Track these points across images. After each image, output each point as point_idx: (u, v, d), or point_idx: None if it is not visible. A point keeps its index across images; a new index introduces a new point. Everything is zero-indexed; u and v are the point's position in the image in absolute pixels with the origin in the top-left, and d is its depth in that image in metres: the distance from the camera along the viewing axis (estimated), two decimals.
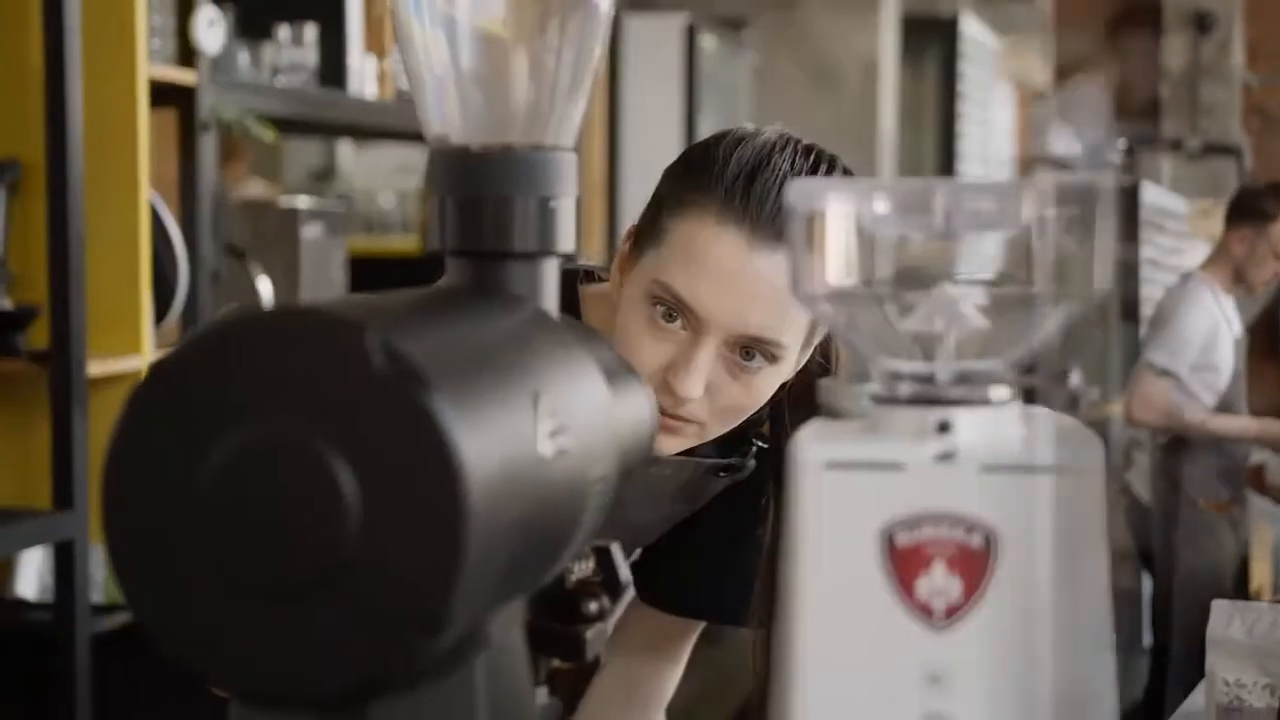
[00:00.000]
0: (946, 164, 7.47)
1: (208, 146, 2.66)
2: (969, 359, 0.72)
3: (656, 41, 5.24)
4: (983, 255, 0.77)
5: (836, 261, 0.72)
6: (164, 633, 0.63)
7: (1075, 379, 0.73)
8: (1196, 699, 2.14)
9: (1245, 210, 4.33)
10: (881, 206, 0.71)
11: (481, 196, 0.80)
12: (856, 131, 5.50)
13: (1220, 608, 1.98)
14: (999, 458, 0.68)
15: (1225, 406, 4.34)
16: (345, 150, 5.84)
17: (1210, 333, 4.24)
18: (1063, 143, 5.07)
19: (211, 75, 2.69)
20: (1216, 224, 8.72)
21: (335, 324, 0.62)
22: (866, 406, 0.73)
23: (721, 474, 1.40)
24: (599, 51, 0.85)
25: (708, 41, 5.49)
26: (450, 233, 0.81)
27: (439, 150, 0.82)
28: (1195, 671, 4.57)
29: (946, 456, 0.68)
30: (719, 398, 1.26)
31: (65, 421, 2.33)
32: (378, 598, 0.61)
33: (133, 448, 0.63)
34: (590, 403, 0.76)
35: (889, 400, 0.71)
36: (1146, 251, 7.05)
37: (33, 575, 2.62)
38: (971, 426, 0.69)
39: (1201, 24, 9.36)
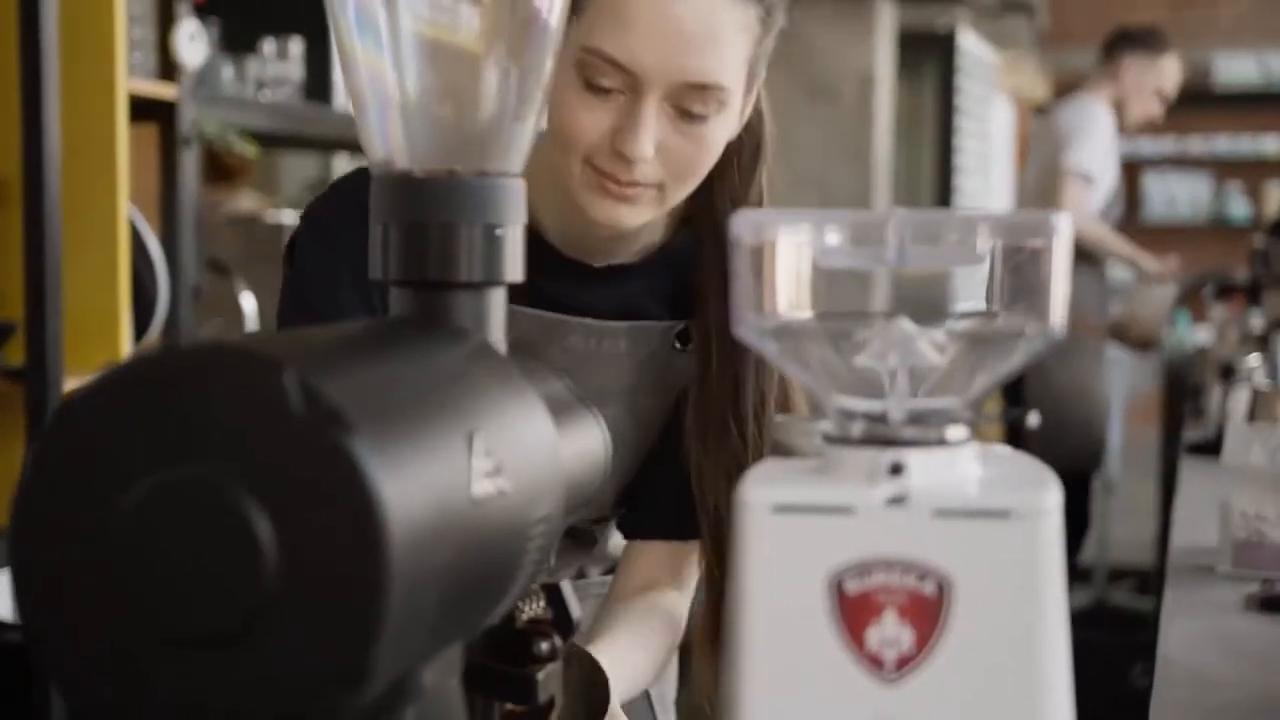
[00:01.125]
0: (944, 178, 7.44)
1: (189, 161, 2.64)
2: (926, 391, 0.70)
3: None
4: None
5: (785, 294, 0.69)
6: (73, 679, 0.60)
7: (1033, 419, 0.70)
8: (1201, 538, 2.01)
9: (1137, 42, 4.50)
10: (833, 238, 0.68)
11: (425, 224, 0.78)
12: (852, 146, 5.47)
13: (1237, 431, 1.89)
14: (953, 501, 0.65)
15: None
16: (341, 163, 5.81)
17: (1110, 143, 4.47)
18: None
19: (193, 90, 2.66)
20: (1023, 78, 8.74)
21: (252, 361, 0.59)
22: (819, 445, 0.70)
23: (678, 345, 1.37)
24: (548, 73, 0.82)
25: None
26: (393, 261, 0.78)
27: (382, 175, 0.80)
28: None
29: (898, 500, 0.65)
30: (671, 156, 1.23)
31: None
32: (296, 649, 0.58)
33: (43, 487, 0.60)
34: (533, 440, 0.73)
35: (840, 440, 0.68)
36: (958, 100, 7.15)
37: (7, 595, 2.59)
38: (925, 468, 0.66)
39: None
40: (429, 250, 0.78)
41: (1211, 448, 2.64)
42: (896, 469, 0.66)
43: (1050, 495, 0.65)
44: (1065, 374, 4.33)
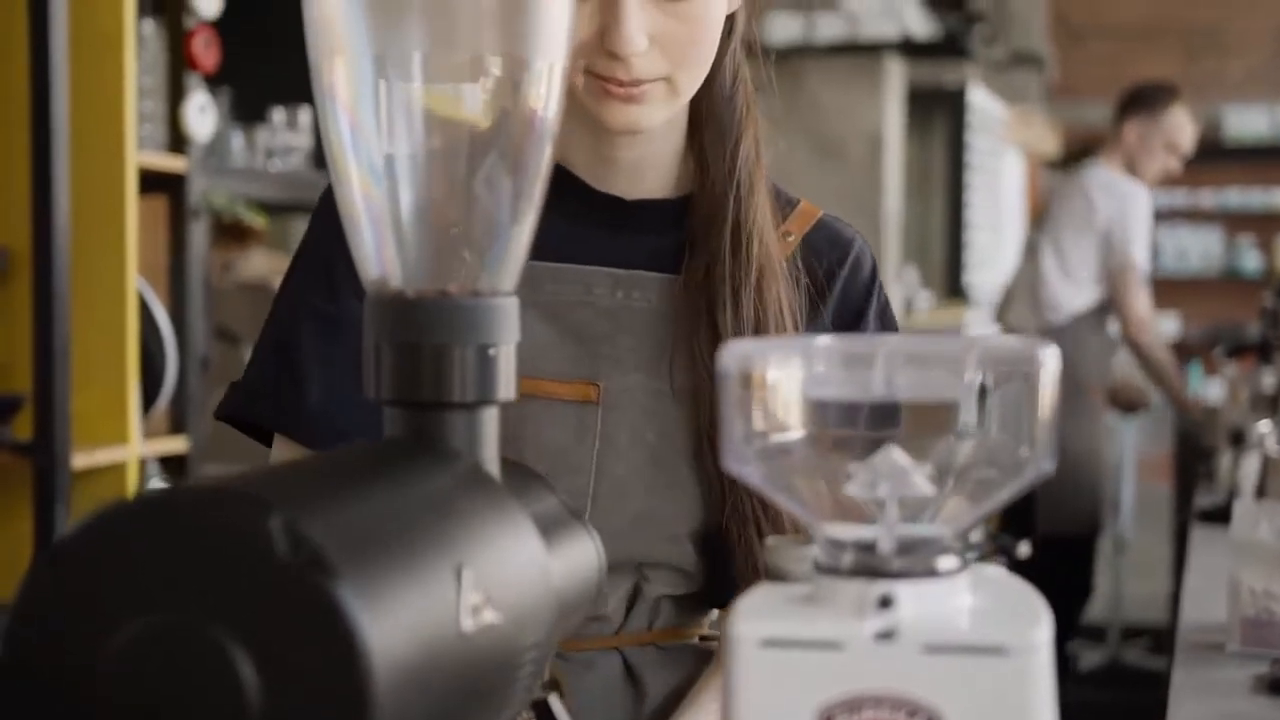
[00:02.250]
0: (954, 233, 7.45)
1: (198, 233, 2.65)
2: (916, 518, 0.69)
3: None
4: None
5: (773, 424, 0.69)
6: None
7: (1023, 549, 0.70)
8: (1211, 613, 1.98)
9: (1138, 102, 4.52)
10: (821, 368, 0.68)
11: (419, 345, 0.78)
12: (862, 204, 5.49)
13: (1244, 508, 1.87)
14: (943, 636, 0.65)
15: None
16: None
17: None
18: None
19: (203, 161, 2.68)
20: (1033, 131, 8.77)
21: (239, 505, 0.59)
22: (809, 571, 0.70)
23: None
24: (540, 191, 0.82)
25: None
26: (386, 382, 0.78)
27: (375, 296, 0.80)
28: (1055, 559, 4.52)
29: (887, 635, 0.65)
30: (667, 42, 1.15)
31: (49, 515, 2.30)
32: None
33: (30, 630, 0.60)
34: (523, 566, 0.73)
35: (830, 570, 0.68)
36: (968, 156, 7.16)
37: None
38: (915, 600, 0.66)
39: None
40: (422, 371, 0.78)
41: (1222, 515, 2.63)
42: (886, 602, 0.66)
43: (1042, 630, 0.65)
44: (1069, 437, 4.33)
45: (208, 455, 2.71)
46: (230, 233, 3.44)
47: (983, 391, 0.68)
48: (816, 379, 0.69)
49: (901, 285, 6.16)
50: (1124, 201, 4.43)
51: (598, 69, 1.16)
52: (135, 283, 2.49)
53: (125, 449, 2.49)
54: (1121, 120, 4.49)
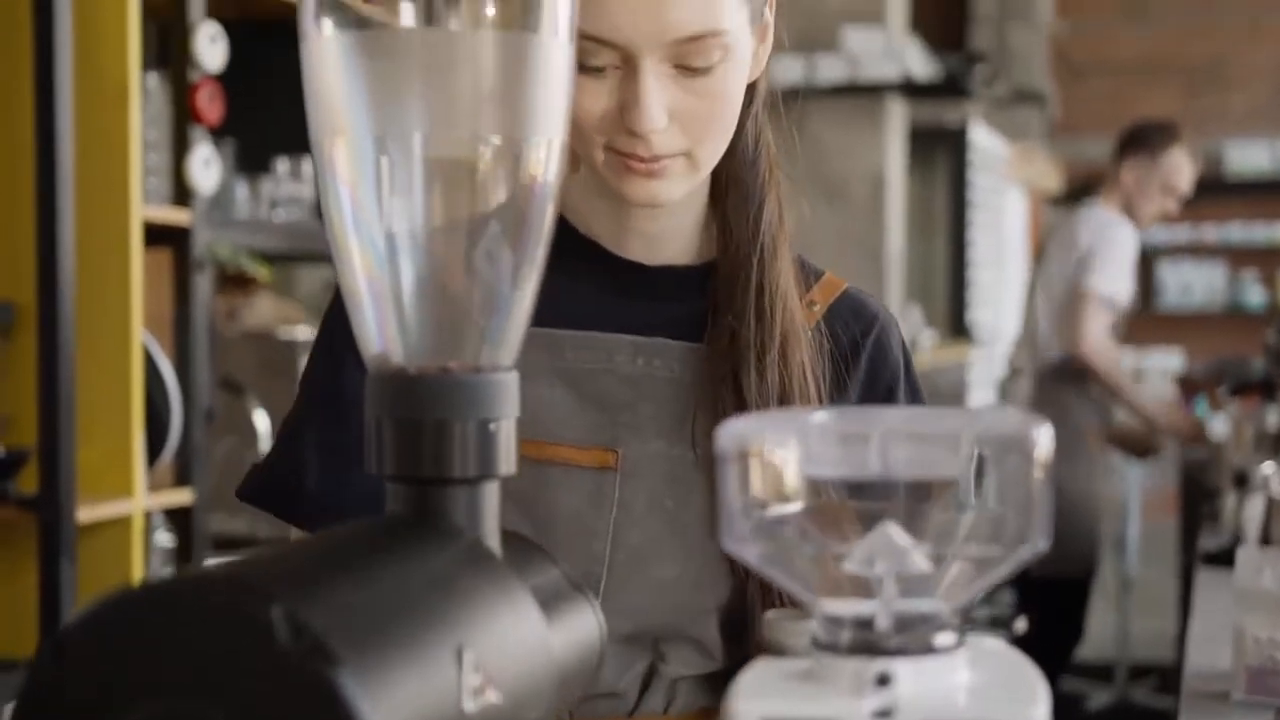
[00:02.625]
0: (958, 271, 7.47)
1: (202, 285, 2.66)
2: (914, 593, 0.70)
3: None
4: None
5: (770, 501, 0.70)
6: None
7: (1021, 624, 0.70)
8: (1217, 659, 1.97)
9: (1136, 143, 4.49)
10: (816, 446, 0.69)
11: (420, 421, 0.79)
12: (865, 245, 5.50)
13: (1247, 555, 1.86)
14: (941, 714, 0.65)
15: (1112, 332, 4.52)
16: None
17: (1133, 263, 4.44)
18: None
19: (207, 214, 2.69)
20: (1036, 169, 8.78)
21: (240, 593, 0.60)
22: (808, 645, 0.71)
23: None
24: (540, 263, 0.83)
25: None
26: (388, 457, 0.79)
27: (376, 372, 0.80)
28: (1055, 602, 4.49)
29: (885, 714, 0.65)
30: (688, 118, 1.14)
31: (54, 570, 2.31)
32: None
33: (35, 717, 0.61)
34: (524, 644, 0.73)
35: (828, 647, 0.69)
36: (970, 194, 7.16)
37: None
38: (913, 678, 0.66)
39: None
40: (423, 447, 0.78)
41: (1227, 557, 2.62)
42: (884, 680, 0.66)
43: (1039, 707, 0.65)
44: (1062, 479, 4.32)
45: (212, 506, 2.72)
46: (235, 280, 3.46)
47: (979, 467, 0.69)
48: (813, 457, 0.69)
49: (905, 324, 6.16)
50: (1102, 231, 4.44)
51: (618, 145, 1.16)
52: (140, 336, 2.50)
53: (130, 502, 2.50)
54: (1119, 161, 4.51)
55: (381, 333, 0.81)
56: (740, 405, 1.17)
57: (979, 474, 0.68)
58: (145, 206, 2.53)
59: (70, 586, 2.33)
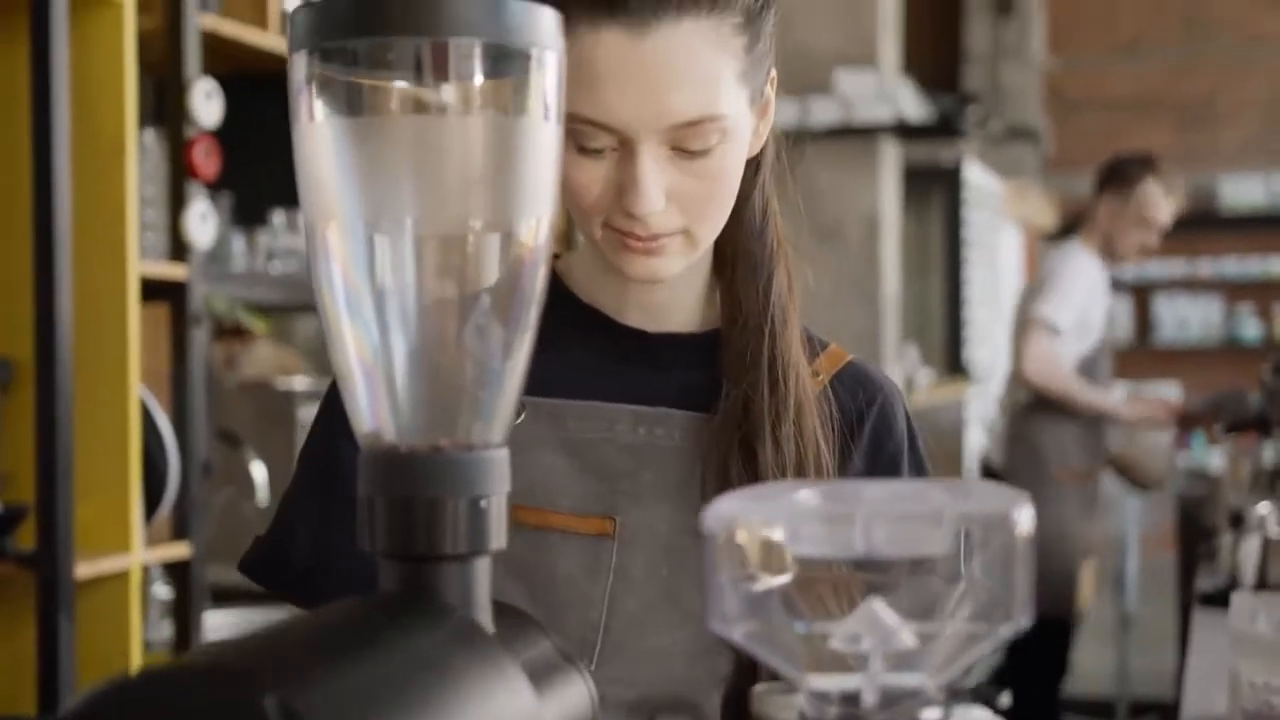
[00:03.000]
0: (953, 310, 7.49)
1: (199, 339, 2.67)
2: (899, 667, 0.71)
3: None
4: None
5: (757, 581, 0.71)
6: None
7: (1005, 698, 0.71)
8: (1214, 702, 1.97)
9: (1112, 178, 4.49)
10: (803, 530, 0.70)
11: (412, 499, 0.80)
12: (860, 286, 5.51)
13: (1242, 600, 1.86)
14: None
15: (1086, 371, 4.43)
16: None
17: (1089, 294, 4.36)
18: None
19: (204, 268, 2.71)
20: (1030, 205, 8.77)
21: (234, 682, 0.61)
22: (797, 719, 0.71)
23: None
24: (529, 342, 0.84)
25: None
26: (379, 534, 0.80)
27: (369, 450, 0.81)
28: (1038, 642, 4.46)
29: None
30: (685, 199, 1.15)
31: (52, 626, 2.31)
32: None
33: None
34: None
35: None
36: (966, 232, 7.17)
37: None
38: None
39: (1002, 5, 9.44)
40: (415, 525, 0.79)
41: (1223, 598, 2.63)
42: None
43: None
44: (1043, 521, 4.28)
45: (210, 558, 2.72)
46: (234, 327, 3.47)
47: (963, 546, 0.70)
48: (799, 537, 0.70)
49: (901, 364, 6.17)
50: (1060, 260, 4.45)
51: (615, 223, 1.17)
52: (137, 391, 2.51)
53: (128, 557, 2.50)
54: (1097, 196, 4.52)
55: (374, 411, 0.82)
56: (754, 476, 1.18)
57: (963, 553, 0.69)
58: (142, 262, 2.55)
59: (69, 643, 2.33)
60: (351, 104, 0.80)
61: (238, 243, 2.92)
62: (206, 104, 2.65)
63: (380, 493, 0.80)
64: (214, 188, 2.79)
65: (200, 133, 2.65)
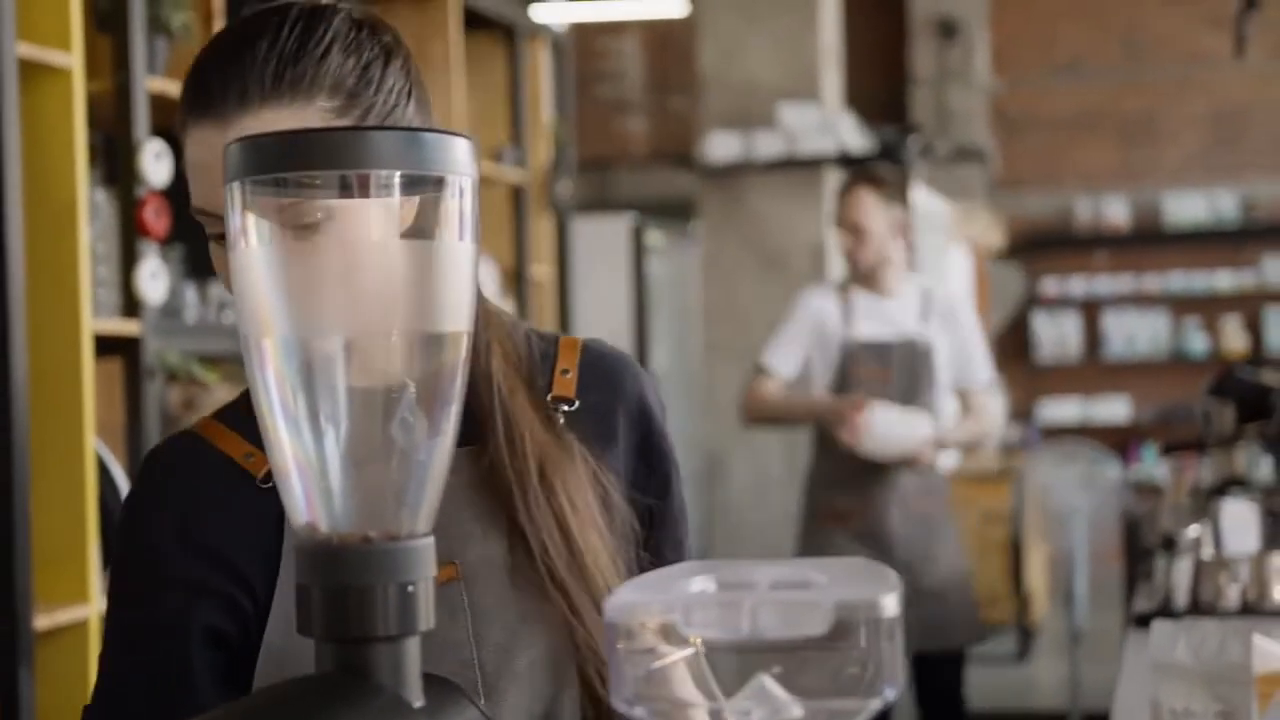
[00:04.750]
0: None
1: (153, 393, 2.73)
2: None
3: (605, 240, 5.40)
4: None
5: (655, 665, 0.78)
6: None
7: None
8: None
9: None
10: (696, 614, 0.78)
11: (345, 586, 0.87)
12: None
13: (1162, 628, 1.94)
14: None
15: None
16: None
17: (814, 332, 4.12)
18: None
19: (156, 323, 2.77)
20: (978, 225, 8.86)
21: None
22: None
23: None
24: (452, 439, 0.92)
25: (654, 237, 5.64)
26: (316, 620, 0.87)
27: (304, 541, 0.89)
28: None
29: None
30: None
31: (11, 678, 2.36)
32: None
33: None
34: None
35: None
36: (915, 255, 7.20)
37: None
38: None
39: (946, 29, 9.59)
40: (349, 610, 0.87)
41: (1159, 618, 2.70)
42: None
43: None
44: (937, 565, 4.22)
45: None
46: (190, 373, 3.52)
47: (839, 630, 0.78)
48: (692, 622, 0.78)
49: None
50: (793, 301, 4.27)
51: None
52: (93, 445, 2.57)
53: (86, 607, 2.56)
54: None
55: (308, 505, 0.89)
56: (531, 528, 1.25)
57: (839, 635, 0.77)
58: (95, 319, 2.61)
59: (29, 694, 2.38)
60: (281, 231, 0.88)
61: (189, 295, 2.99)
62: (156, 164, 2.71)
63: (316, 582, 0.87)
64: (165, 241, 2.85)
65: (150, 192, 2.72)
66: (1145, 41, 10.09)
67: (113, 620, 1.28)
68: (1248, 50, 5.20)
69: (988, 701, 5.76)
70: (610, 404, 1.34)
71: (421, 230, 0.88)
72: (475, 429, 1.28)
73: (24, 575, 2.40)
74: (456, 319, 0.89)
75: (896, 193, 4.09)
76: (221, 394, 3.56)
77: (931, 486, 4.21)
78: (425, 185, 0.88)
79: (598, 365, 1.35)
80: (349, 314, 0.87)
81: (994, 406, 4.34)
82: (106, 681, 1.26)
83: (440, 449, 0.91)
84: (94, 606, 2.57)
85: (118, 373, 2.71)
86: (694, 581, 0.81)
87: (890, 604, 0.76)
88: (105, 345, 2.66)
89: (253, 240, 0.87)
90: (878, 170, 4.28)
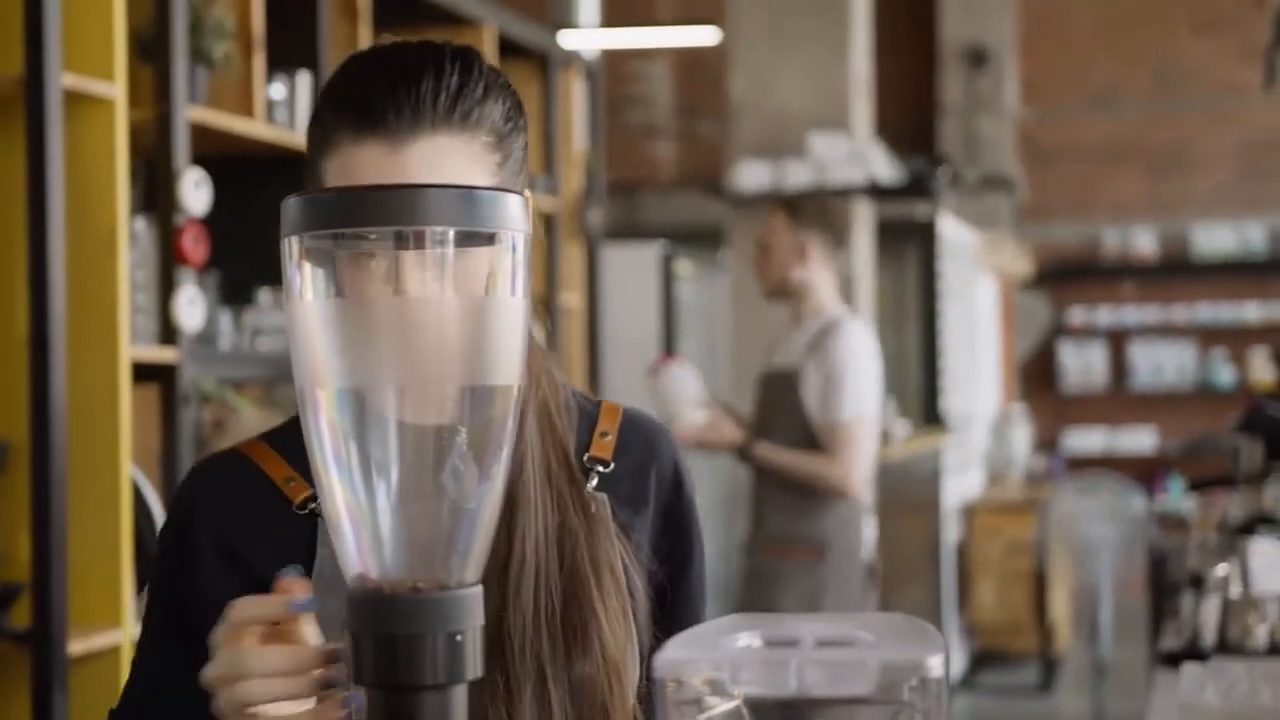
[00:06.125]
0: (929, 360, 7.58)
1: (188, 419, 2.76)
2: None
3: (635, 269, 5.42)
4: None
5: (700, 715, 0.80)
6: None
7: None
8: None
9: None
10: (743, 671, 0.79)
11: (395, 635, 0.88)
12: None
13: (1191, 672, 1.94)
14: None
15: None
16: None
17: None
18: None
19: (192, 350, 2.79)
20: (1005, 255, 8.81)
21: None
22: None
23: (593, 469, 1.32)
24: (500, 490, 0.93)
25: (684, 266, 5.66)
26: (366, 668, 0.89)
27: (355, 591, 0.90)
28: None
29: None
30: None
31: (46, 702, 2.39)
32: None
33: None
34: None
35: None
36: (942, 284, 7.21)
37: None
38: None
39: (976, 58, 9.57)
40: (398, 659, 0.88)
41: (1186, 657, 2.69)
42: None
43: None
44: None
45: None
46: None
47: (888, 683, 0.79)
48: (739, 680, 0.79)
49: (879, 417, 6.25)
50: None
51: None
52: (129, 471, 2.59)
53: (120, 632, 2.58)
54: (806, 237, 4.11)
55: (360, 555, 0.91)
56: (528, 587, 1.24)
57: (884, 693, 0.78)
58: (133, 346, 2.63)
59: (63, 718, 2.41)
60: (337, 285, 0.90)
61: (225, 321, 3.01)
62: (195, 193, 2.74)
63: (366, 630, 0.89)
64: (201, 269, 2.88)
65: (189, 220, 2.75)
66: (1176, 73, 10.08)
67: (145, 626, 1.30)
68: (1278, 82, 5.19)
69: None
70: (645, 466, 1.35)
71: (474, 285, 0.90)
72: None
73: (60, 599, 2.43)
74: (508, 372, 0.91)
75: (812, 221, 4.00)
76: (250, 418, 3.59)
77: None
78: (479, 241, 0.90)
79: (636, 430, 1.36)
80: (402, 367, 0.89)
81: (848, 456, 3.86)
82: (134, 683, 1.29)
83: (490, 497, 0.92)
84: (127, 631, 2.59)
85: (154, 399, 2.74)
86: (739, 637, 0.82)
87: (936, 664, 0.77)
88: (142, 372, 2.69)
89: (308, 294, 0.89)
90: (801, 198, 4.28)
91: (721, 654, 0.79)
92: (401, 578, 0.90)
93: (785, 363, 4.00)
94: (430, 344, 0.89)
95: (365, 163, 1.19)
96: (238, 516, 1.28)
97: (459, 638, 0.89)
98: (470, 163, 1.21)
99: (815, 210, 4.06)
